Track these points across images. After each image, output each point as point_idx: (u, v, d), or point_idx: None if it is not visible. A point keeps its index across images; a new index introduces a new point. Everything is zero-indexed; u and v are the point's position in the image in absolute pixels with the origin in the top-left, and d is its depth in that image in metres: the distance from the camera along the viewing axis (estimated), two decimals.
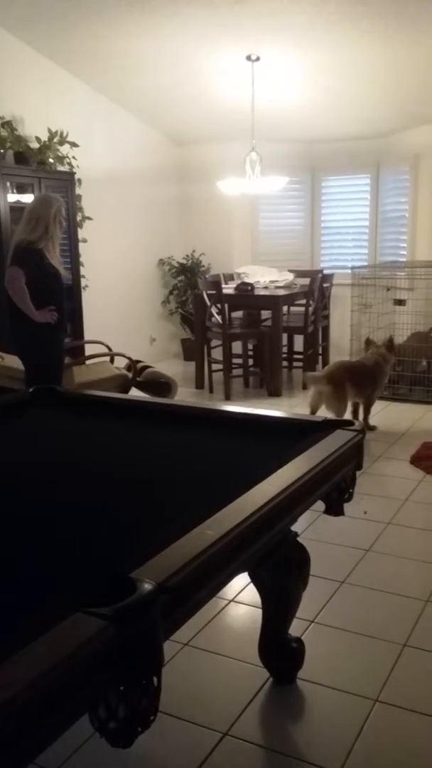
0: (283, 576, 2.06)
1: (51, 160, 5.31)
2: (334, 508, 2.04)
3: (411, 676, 2.22)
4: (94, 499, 1.76)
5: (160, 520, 1.58)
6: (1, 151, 4.86)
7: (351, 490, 2.06)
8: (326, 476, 1.83)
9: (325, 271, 6.69)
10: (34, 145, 5.23)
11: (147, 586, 1.13)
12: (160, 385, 4.72)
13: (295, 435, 2.06)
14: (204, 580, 1.30)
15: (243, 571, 1.68)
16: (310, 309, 6.16)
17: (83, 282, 5.72)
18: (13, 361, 4.13)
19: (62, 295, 3.94)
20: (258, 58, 5.28)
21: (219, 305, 5.88)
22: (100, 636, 1.03)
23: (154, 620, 1.12)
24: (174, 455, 2.10)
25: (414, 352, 5.76)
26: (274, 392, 6.01)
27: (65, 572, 1.35)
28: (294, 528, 1.94)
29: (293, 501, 1.64)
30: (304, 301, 6.18)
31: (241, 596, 2.65)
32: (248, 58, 5.27)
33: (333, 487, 1.95)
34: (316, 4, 4.39)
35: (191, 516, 1.44)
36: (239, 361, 6.40)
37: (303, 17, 4.59)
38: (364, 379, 4.72)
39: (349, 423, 2.14)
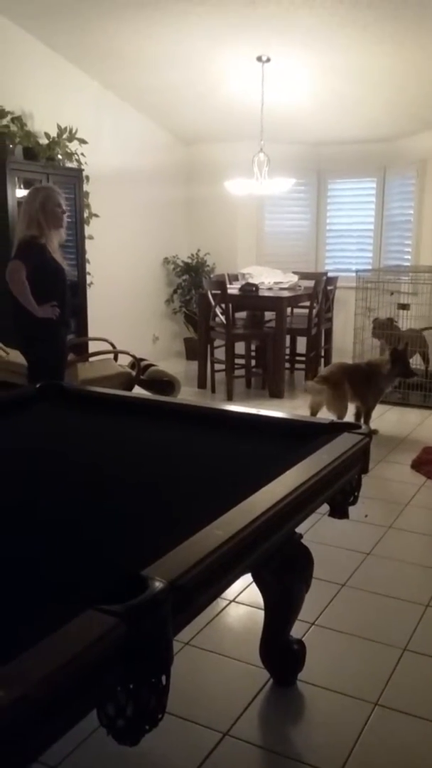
0: (286, 577, 2.06)
1: (59, 157, 5.31)
2: (339, 511, 2.04)
3: (411, 680, 2.22)
4: (104, 496, 1.76)
5: (169, 519, 1.58)
6: (11, 146, 4.85)
7: (356, 494, 2.07)
8: (334, 479, 1.84)
9: (330, 274, 6.69)
10: (43, 140, 5.22)
11: (158, 584, 1.13)
12: (164, 383, 4.72)
13: (303, 437, 2.06)
14: (213, 580, 1.31)
15: (248, 572, 1.68)
16: (314, 311, 6.17)
17: (88, 279, 5.72)
18: (17, 356, 4.12)
19: (65, 291, 3.88)
20: (269, 60, 5.28)
21: (223, 305, 5.87)
22: (111, 634, 1.03)
23: (164, 618, 1.12)
24: (182, 454, 2.10)
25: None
26: (276, 393, 6.01)
27: (76, 569, 1.35)
28: (296, 530, 1.95)
29: (301, 503, 1.65)
30: (308, 303, 6.19)
31: (242, 596, 2.66)
32: (259, 59, 5.27)
33: (339, 490, 1.96)
34: (328, 6, 4.40)
35: (200, 515, 1.44)
36: (242, 361, 6.40)
37: (314, 20, 4.59)
38: (361, 380, 4.72)
39: (356, 426, 2.14)
